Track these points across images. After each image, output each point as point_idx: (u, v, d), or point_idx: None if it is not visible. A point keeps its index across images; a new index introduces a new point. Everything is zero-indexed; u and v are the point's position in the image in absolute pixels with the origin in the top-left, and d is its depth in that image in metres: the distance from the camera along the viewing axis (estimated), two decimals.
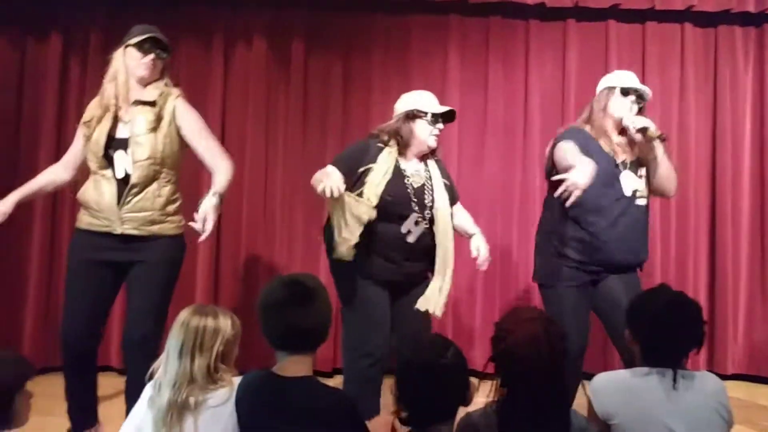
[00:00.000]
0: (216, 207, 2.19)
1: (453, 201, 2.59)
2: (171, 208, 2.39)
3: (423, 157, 2.55)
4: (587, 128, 2.56)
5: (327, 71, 4.02)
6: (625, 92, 2.53)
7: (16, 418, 1.44)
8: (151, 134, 2.29)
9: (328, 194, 2.17)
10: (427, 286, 2.48)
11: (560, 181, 2.15)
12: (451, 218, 2.51)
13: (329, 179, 2.20)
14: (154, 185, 2.32)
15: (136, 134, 2.29)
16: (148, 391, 1.70)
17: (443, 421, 1.45)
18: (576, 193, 2.09)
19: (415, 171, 2.50)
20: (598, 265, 2.46)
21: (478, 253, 2.49)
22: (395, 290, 2.48)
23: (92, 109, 2.39)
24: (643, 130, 2.40)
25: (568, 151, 2.37)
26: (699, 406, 1.65)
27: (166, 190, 2.37)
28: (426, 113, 2.49)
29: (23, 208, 3.76)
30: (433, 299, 2.44)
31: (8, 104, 3.91)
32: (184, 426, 1.61)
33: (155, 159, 2.31)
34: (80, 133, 2.42)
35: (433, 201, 2.46)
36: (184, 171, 2.58)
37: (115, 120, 2.32)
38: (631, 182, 2.48)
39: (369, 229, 2.35)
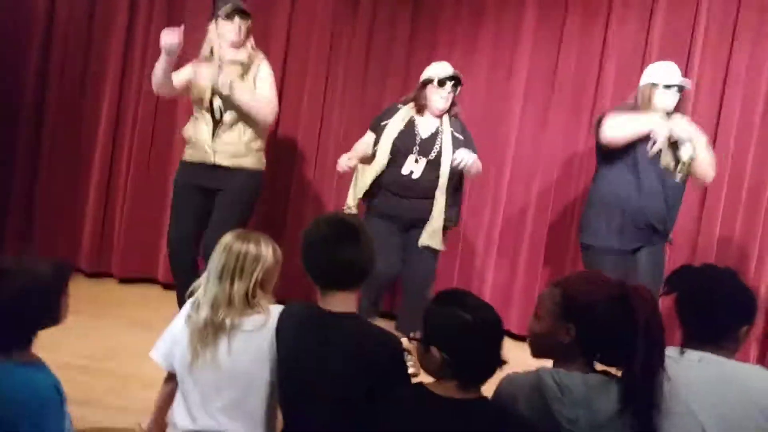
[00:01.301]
0: (220, 75, 2.78)
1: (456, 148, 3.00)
2: (253, 145, 2.96)
3: (441, 115, 3.02)
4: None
5: (393, 19, 3.89)
6: (668, 87, 2.87)
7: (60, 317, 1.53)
8: (239, 85, 2.83)
9: (339, 170, 2.98)
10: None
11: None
12: (452, 164, 2.91)
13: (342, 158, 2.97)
14: (240, 125, 2.89)
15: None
16: (186, 307, 1.75)
17: (486, 380, 1.42)
18: (660, 141, 2.70)
19: (427, 125, 3.01)
20: (635, 227, 2.83)
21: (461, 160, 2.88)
22: (405, 225, 3.01)
23: (197, 61, 2.95)
24: (677, 150, 2.76)
25: (620, 117, 2.82)
26: (739, 403, 1.43)
27: (249, 131, 2.93)
28: (433, 79, 2.97)
29: (88, 132, 3.98)
30: (432, 236, 2.96)
31: (80, 22, 3.99)
32: (219, 346, 1.65)
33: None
34: (186, 72, 2.95)
35: (439, 151, 2.94)
36: None
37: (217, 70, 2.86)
38: (666, 159, 2.82)
39: (384, 173, 2.96)
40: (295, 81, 3.97)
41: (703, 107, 3.76)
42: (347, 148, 3.85)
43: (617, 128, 2.78)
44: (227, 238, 1.73)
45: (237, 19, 2.88)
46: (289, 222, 3.98)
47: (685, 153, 2.73)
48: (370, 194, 3.05)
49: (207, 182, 2.91)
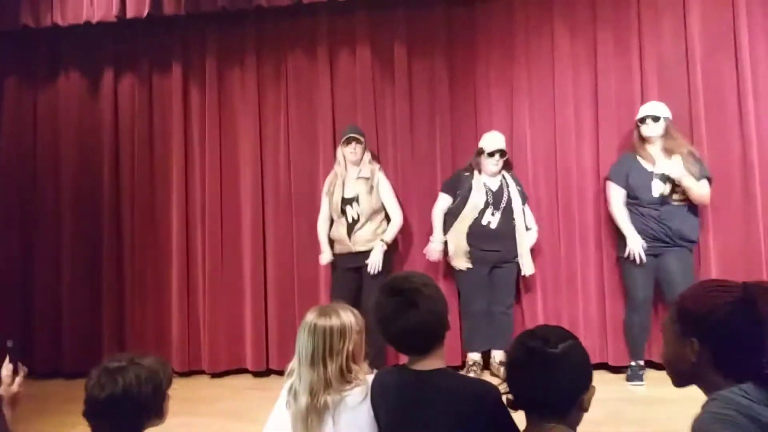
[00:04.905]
0: (381, 251, 3.73)
1: (523, 201, 3.73)
2: (379, 231, 3.83)
3: (499, 171, 3.72)
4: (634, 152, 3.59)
5: (431, 69, 3.99)
6: (642, 120, 3.50)
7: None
8: (368, 196, 3.79)
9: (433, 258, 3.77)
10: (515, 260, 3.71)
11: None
12: (522, 210, 3.72)
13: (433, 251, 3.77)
14: (367, 222, 3.81)
15: (360, 196, 3.78)
16: (284, 395, 1.75)
17: (553, 418, 1.33)
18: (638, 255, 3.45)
19: (491, 181, 3.72)
20: (653, 238, 3.46)
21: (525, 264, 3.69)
22: (490, 267, 3.70)
23: (329, 183, 3.89)
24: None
25: (618, 206, 3.58)
26: None
27: (374, 224, 3.83)
28: (485, 151, 3.66)
29: (164, 242, 4.22)
30: (529, 266, 3.69)
31: (142, 131, 4.30)
32: (324, 428, 1.64)
33: (372, 209, 3.80)
34: (325, 197, 3.89)
35: (509, 199, 3.67)
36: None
37: (342, 187, 3.81)
38: (658, 188, 3.46)
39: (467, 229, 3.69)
40: None
41: (765, 97, 3.64)
42: (407, 207, 3.95)
43: (613, 211, 3.58)
44: (309, 317, 1.72)
45: (353, 143, 3.76)
46: None
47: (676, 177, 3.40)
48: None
49: (352, 263, 3.81)
